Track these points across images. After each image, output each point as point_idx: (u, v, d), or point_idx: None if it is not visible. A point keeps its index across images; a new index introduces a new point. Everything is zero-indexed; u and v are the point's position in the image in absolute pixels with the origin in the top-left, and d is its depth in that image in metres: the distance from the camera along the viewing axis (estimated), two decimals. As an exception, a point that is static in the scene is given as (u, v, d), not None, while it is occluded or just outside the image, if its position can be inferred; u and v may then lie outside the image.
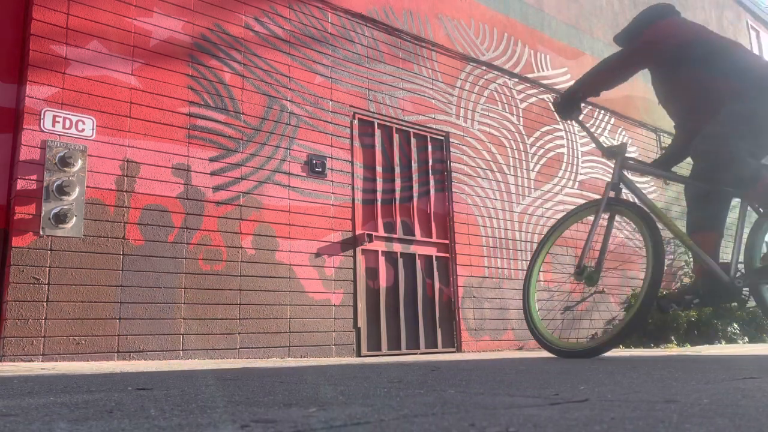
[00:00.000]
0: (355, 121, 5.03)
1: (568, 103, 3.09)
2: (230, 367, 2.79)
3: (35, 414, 1.13)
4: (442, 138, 5.67)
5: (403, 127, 5.39)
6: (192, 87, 4.15)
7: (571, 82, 7.27)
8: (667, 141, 8.60)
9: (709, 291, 2.83)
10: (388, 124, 5.28)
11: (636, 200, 3.15)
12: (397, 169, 5.24)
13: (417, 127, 5.47)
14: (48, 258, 3.39)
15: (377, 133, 5.19)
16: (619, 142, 2.99)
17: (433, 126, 5.59)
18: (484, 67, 6.23)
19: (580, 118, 2.99)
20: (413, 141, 5.44)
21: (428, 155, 5.50)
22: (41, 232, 3.39)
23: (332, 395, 1.46)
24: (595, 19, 7.94)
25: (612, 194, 3.16)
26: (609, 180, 3.21)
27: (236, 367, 2.79)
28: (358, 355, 4.58)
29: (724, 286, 2.78)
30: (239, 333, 4.01)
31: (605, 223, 3.20)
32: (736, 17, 11.32)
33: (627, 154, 3.23)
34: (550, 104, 3.24)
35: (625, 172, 3.22)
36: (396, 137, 5.33)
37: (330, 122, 4.84)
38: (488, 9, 6.49)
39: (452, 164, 5.65)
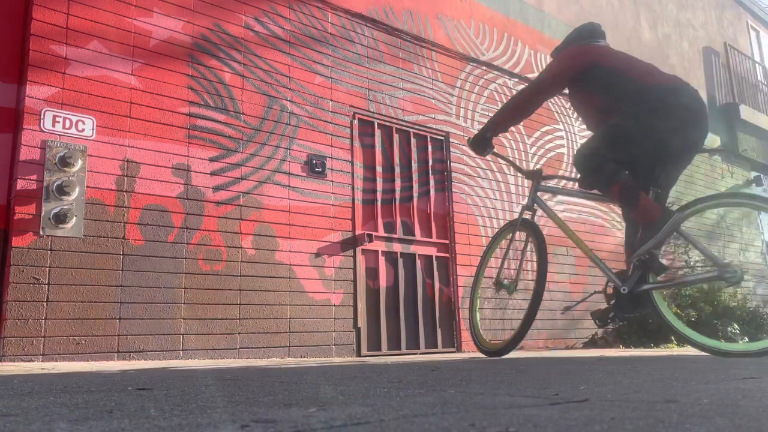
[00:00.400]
0: (355, 121, 5.03)
1: (481, 143, 3.36)
2: (230, 367, 2.79)
3: (35, 414, 1.13)
4: (442, 138, 5.67)
5: (403, 127, 5.39)
6: (192, 87, 4.15)
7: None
8: (667, 141, 8.59)
9: (616, 304, 2.98)
10: (388, 124, 5.28)
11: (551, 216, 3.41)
12: (397, 169, 5.24)
13: (417, 127, 5.47)
14: (48, 258, 3.39)
15: (377, 133, 5.19)
16: (536, 167, 3.48)
17: (433, 126, 5.59)
18: (484, 67, 6.23)
19: (494, 150, 3.44)
20: (413, 141, 5.44)
21: (428, 155, 5.50)
22: (41, 232, 3.39)
23: (332, 395, 1.45)
24: (595, 19, 7.93)
25: (528, 214, 3.45)
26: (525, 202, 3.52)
27: (236, 367, 2.79)
28: (358, 355, 4.58)
29: (625, 297, 2.93)
30: (239, 333, 4.01)
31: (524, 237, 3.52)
32: (736, 17, 11.32)
33: (542, 178, 3.50)
34: (467, 142, 3.52)
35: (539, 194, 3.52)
36: (396, 137, 5.33)
37: (330, 122, 4.84)
38: (488, 9, 6.49)
39: (452, 164, 5.65)
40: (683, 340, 2.88)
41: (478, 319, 3.66)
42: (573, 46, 3.25)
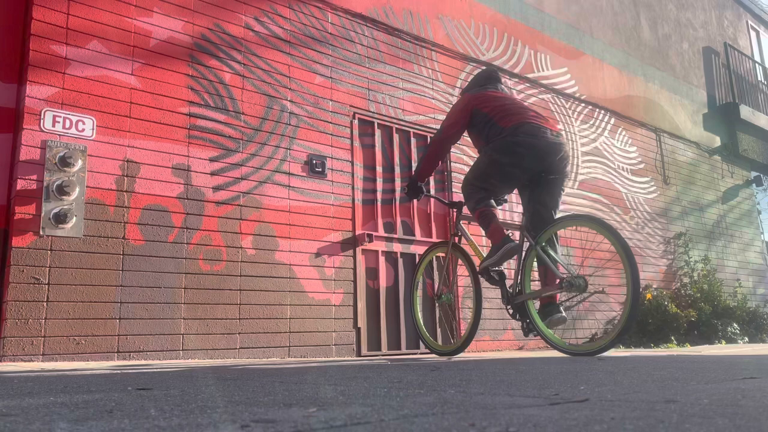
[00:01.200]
0: (355, 121, 5.03)
1: (414, 191, 3.91)
2: (230, 367, 2.80)
3: (35, 414, 1.13)
4: (442, 138, 5.67)
5: (403, 127, 5.39)
6: (192, 87, 4.15)
7: (572, 82, 7.28)
8: (667, 141, 8.60)
9: (515, 314, 3.54)
10: (388, 124, 5.28)
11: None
12: (397, 169, 5.24)
13: (417, 127, 5.47)
14: (48, 258, 3.39)
15: (377, 133, 5.19)
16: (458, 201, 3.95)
17: (433, 126, 5.59)
18: (484, 67, 6.22)
19: (428, 192, 4.03)
20: (413, 141, 5.44)
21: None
22: (41, 232, 3.39)
23: (332, 395, 1.46)
24: (595, 19, 7.94)
25: (456, 239, 4.00)
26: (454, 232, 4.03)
27: (236, 367, 2.79)
28: (358, 355, 4.58)
29: (514, 307, 3.53)
30: (239, 333, 4.01)
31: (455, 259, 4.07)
32: (736, 17, 11.32)
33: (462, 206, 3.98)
34: (401, 192, 4.20)
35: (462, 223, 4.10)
36: (396, 137, 5.33)
37: (330, 122, 4.84)
38: (488, 9, 6.49)
39: (452, 164, 5.65)
40: (548, 344, 3.37)
41: (420, 319, 4.14)
42: (465, 95, 3.80)
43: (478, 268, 3.63)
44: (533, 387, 1.58)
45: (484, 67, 4.02)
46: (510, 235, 3.49)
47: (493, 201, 3.54)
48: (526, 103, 3.69)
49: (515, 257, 3.51)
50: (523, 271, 3.48)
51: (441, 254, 4.08)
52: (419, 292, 4.08)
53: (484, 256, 3.62)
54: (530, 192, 3.50)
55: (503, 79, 3.89)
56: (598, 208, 7.09)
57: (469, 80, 3.95)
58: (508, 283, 3.61)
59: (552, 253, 3.33)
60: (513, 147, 3.35)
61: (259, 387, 1.70)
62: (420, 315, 4.14)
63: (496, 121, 3.46)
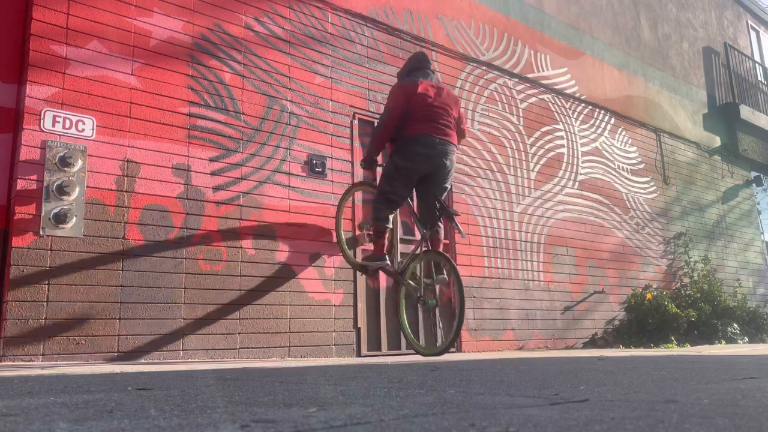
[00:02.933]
0: (355, 121, 5.03)
1: (370, 163, 4.26)
2: (230, 367, 2.79)
3: (35, 414, 1.13)
4: (442, 138, 5.67)
5: (403, 127, 5.38)
6: (192, 87, 4.15)
7: (572, 82, 7.28)
8: (667, 141, 8.60)
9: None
10: (388, 124, 5.27)
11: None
12: (397, 169, 5.23)
13: (417, 127, 5.47)
14: (48, 258, 3.39)
15: (377, 133, 5.18)
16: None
17: (433, 126, 5.59)
18: (484, 67, 6.23)
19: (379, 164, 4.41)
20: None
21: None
22: (41, 232, 3.39)
23: (332, 395, 1.46)
24: (595, 19, 7.94)
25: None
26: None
27: (236, 367, 2.79)
28: (358, 355, 4.58)
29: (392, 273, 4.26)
30: (239, 333, 4.01)
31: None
32: (736, 17, 11.32)
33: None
34: (360, 165, 4.48)
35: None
36: (396, 137, 5.32)
37: (330, 122, 4.84)
38: (488, 9, 6.49)
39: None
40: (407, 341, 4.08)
41: (342, 235, 4.55)
42: (399, 83, 4.19)
43: (359, 261, 4.35)
44: (533, 387, 1.58)
45: (415, 54, 4.38)
46: (386, 255, 4.15)
47: (390, 218, 4.13)
48: (438, 105, 4.03)
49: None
50: (407, 265, 4.18)
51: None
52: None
53: (370, 257, 4.22)
54: (421, 188, 4.11)
55: (432, 66, 4.31)
56: (599, 209, 7.10)
57: (403, 66, 4.38)
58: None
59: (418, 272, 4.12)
60: (411, 154, 3.94)
61: (259, 387, 1.70)
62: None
63: (406, 125, 3.98)
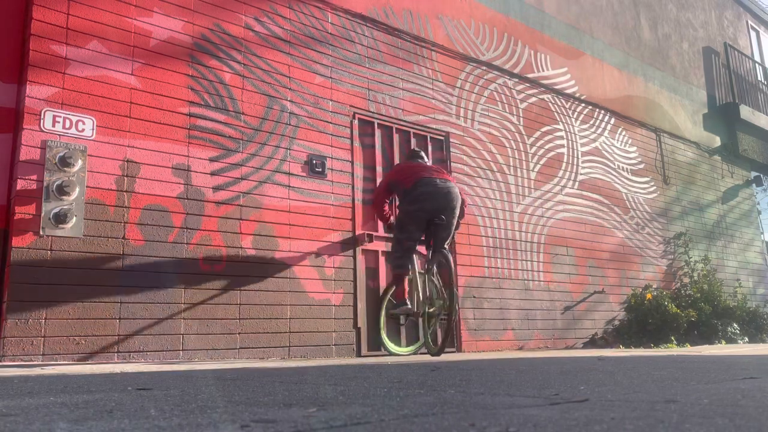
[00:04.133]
0: (355, 121, 5.03)
1: (384, 220, 4.60)
2: (230, 367, 2.79)
3: (35, 414, 1.13)
4: (442, 138, 5.67)
5: (403, 127, 5.39)
6: (192, 87, 4.15)
7: (572, 82, 7.28)
8: (667, 141, 8.60)
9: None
10: (388, 124, 5.28)
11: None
12: (397, 169, 5.24)
13: (417, 127, 5.47)
14: (48, 258, 3.39)
15: (377, 133, 5.19)
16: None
17: (433, 126, 5.59)
18: (484, 67, 6.23)
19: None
20: (413, 141, 5.43)
21: (428, 155, 5.50)
22: (41, 232, 3.39)
23: (332, 395, 1.46)
24: (595, 19, 7.94)
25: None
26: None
27: (236, 367, 2.79)
28: (358, 355, 4.58)
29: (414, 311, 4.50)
30: (239, 333, 4.01)
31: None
32: (736, 17, 11.32)
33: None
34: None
35: None
36: (396, 137, 5.33)
37: (330, 122, 4.84)
38: (488, 9, 6.49)
39: (452, 164, 5.65)
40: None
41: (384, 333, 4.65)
42: (387, 172, 4.74)
43: (387, 312, 4.51)
44: (533, 387, 1.58)
45: (409, 151, 4.89)
46: (407, 300, 4.39)
47: (409, 265, 4.37)
48: (429, 164, 4.56)
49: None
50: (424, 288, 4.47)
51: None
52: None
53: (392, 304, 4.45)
54: (430, 229, 4.34)
55: (422, 154, 4.75)
56: (599, 209, 7.10)
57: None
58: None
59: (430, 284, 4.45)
60: (415, 197, 4.24)
61: (259, 387, 1.70)
62: (384, 321, 4.52)
63: (405, 185, 4.33)
